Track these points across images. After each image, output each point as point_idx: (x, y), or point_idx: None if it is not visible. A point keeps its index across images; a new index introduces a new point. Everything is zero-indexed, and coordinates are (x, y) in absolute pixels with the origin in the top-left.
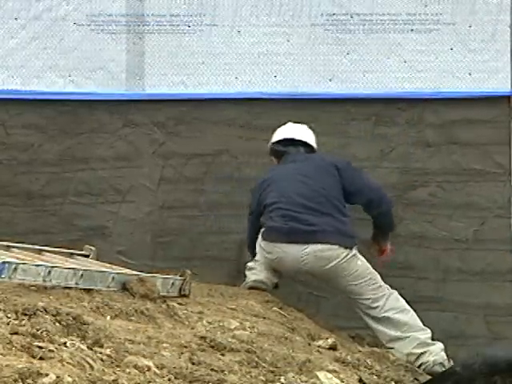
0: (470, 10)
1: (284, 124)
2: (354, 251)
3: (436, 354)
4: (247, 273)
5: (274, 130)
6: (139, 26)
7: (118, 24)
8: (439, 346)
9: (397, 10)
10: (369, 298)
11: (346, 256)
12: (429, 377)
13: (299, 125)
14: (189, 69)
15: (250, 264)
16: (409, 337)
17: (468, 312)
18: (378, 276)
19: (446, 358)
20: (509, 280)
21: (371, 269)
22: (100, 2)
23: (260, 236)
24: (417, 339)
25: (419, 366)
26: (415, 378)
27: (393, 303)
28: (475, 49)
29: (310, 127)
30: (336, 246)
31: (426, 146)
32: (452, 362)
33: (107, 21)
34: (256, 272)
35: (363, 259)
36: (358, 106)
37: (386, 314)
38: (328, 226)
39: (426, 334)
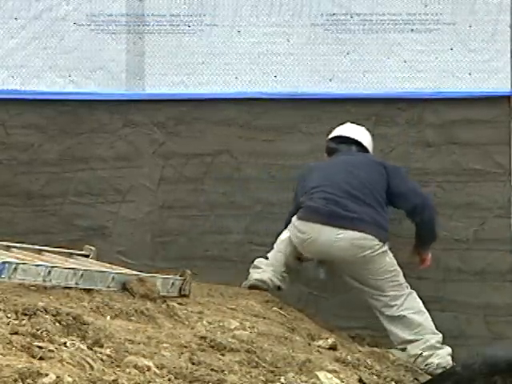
0: (469, 10)
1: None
2: (386, 247)
3: (442, 357)
4: (251, 270)
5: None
6: (139, 26)
7: (118, 24)
8: (447, 350)
9: (397, 10)
10: (388, 296)
11: (379, 249)
12: (429, 377)
13: (357, 125)
14: (189, 69)
15: (257, 261)
16: (420, 339)
17: (468, 312)
18: (402, 274)
19: (450, 363)
20: (509, 280)
21: (397, 266)
22: (100, 1)
23: (295, 217)
24: (427, 342)
25: (425, 366)
26: (415, 378)
27: (410, 303)
28: (475, 49)
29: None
30: (371, 237)
31: (426, 146)
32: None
33: (107, 21)
34: (260, 271)
35: (392, 256)
36: (358, 105)
37: (402, 313)
38: (367, 216)
39: (438, 337)
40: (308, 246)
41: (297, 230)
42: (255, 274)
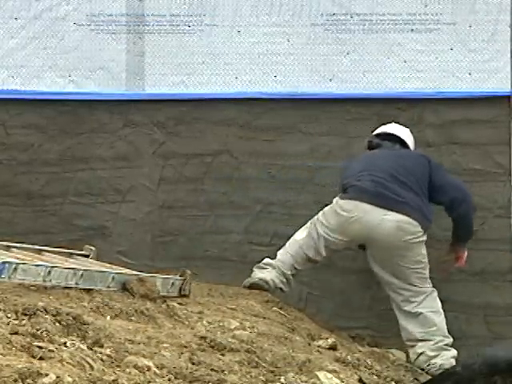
0: (469, 10)
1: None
2: (425, 237)
3: (446, 359)
4: (255, 269)
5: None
6: (139, 26)
7: (118, 24)
8: (453, 352)
9: (397, 9)
10: (411, 290)
11: (420, 237)
12: (429, 377)
13: (402, 126)
14: (189, 69)
15: (264, 261)
16: (431, 340)
17: (468, 312)
18: (428, 269)
19: (453, 364)
20: (509, 280)
21: (427, 260)
22: (100, 1)
23: (338, 197)
24: (437, 343)
25: (427, 366)
26: (415, 378)
27: (430, 302)
28: (475, 49)
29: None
30: (416, 223)
31: (426, 146)
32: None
33: (107, 21)
34: (264, 271)
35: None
36: (358, 105)
37: (419, 310)
38: (413, 203)
39: (448, 340)
40: (351, 225)
41: (341, 209)
42: (259, 273)
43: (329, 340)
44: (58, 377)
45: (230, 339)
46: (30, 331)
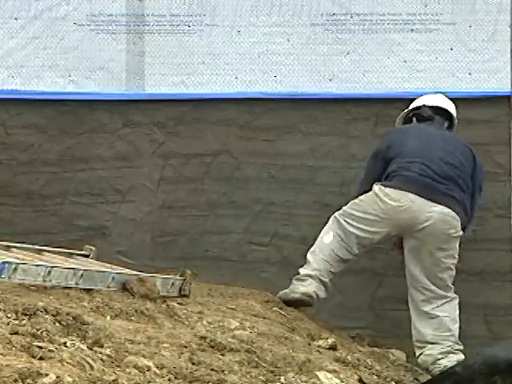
0: (469, 10)
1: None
2: (461, 232)
3: (452, 362)
4: (295, 282)
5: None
6: (139, 26)
7: (118, 24)
8: (459, 357)
9: (397, 10)
10: (434, 292)
11: (458, 231)
12: (429, 377)
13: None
14: (189, 69)
15: (302, 272)
16: (441, 344)
17: (468, 312)
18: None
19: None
20: (509, 280)
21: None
22: (100, 1)
23: (383, 185)
24: (444, 348)
25: (432, 364)
26: (415, 378)
27: (449, 308)
28: (475, 49)
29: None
30: (458, 218)
31: None
32: None
33: (107, 21)
34: (305, 284)
35: None
36: (358, 105)
37: (437, 313)
38: (459, 197)
39: (458, 346)
40: (398, 213)
41: (388, 198)
42: (300, 287)
43: (329, 340)
44: (58, 377)
45: (230, 339)
46: (30, 331)
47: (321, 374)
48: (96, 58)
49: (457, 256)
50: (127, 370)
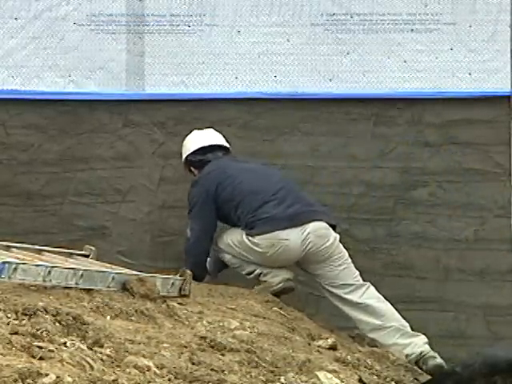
0: (469, 10)
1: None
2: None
3: (420, 346)
4: (265, 278)
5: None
6: (139, 26)
7: (118, 24)
8: (422, 338)
9: (397, 10)
10: (352, 284)
11: (334, 236)
12: (429, 377)
13: (206, 130)
14: (189, 69)
15: (259, 270)
16: (391, 327)
17: (468, 312)
18: None
19: (430, 350)
20: (509, 280)
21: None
22: (100, 1)
23: (245, 235)
24: (398, 330)
25: (405, 357)
26: (415, 378)
27: (372, 293)
28: (475, 49)
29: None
30: (326, 225)
31: (425, 146)
32: (441, 359)
33: (107, 21)
34: (276, 273)
35: None
36: (358, 105)
37: (367, 301)
38: (310, 202)
39: (406, 325)
40: (277, 258)
41: (260, 247)
42: (276, 278)
43: (329, 340)
44: (58, 377)
45: (230, 339)
46: (30, 331)
47: (321, 374)
48: (96, 57)
49: (344, 251)
50: (127, 369)
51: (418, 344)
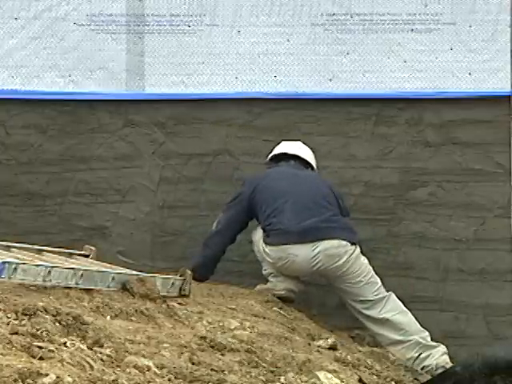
0: (469, 10)
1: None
2: (353, 250)
3: (438, 357)
4: (272, 279)
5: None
6: (139, 26)
7: (118, 24)
8: (441, 349)
9: (397, 9)
10: (371, 300)
11: (348, 255)
12: (429, 377)
13: (294, 142)
14: (189, 69)
15: (270, 270)
16: (410, 340)
17: (468, 312)
18: (377, 277)
19: (448, 361)
20: (509, 280)
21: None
22: (100, 1)
23: (263, 242)
24: (418, 343)
25: (422, 369)
26: (415, 378)
27: (392, 305)
28: (475, 49)
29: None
30: (343, 242)
31: (425, 146)
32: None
33: (107, 21)
34: (284, 279)
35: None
36: (358, 105)
37: (385, 316)
38: (333, 218)
39: (426, 335)
40: (287, 269)
41: (270, 258)
42: (280, 284)
43: (329, 340)
44: (58, 377)
45: (230, 339)
46: (30, 331)
47: (321, 374)
48: (96, 57)
49: (366, 263)
50: (127, 369)
51: (436, 356)
